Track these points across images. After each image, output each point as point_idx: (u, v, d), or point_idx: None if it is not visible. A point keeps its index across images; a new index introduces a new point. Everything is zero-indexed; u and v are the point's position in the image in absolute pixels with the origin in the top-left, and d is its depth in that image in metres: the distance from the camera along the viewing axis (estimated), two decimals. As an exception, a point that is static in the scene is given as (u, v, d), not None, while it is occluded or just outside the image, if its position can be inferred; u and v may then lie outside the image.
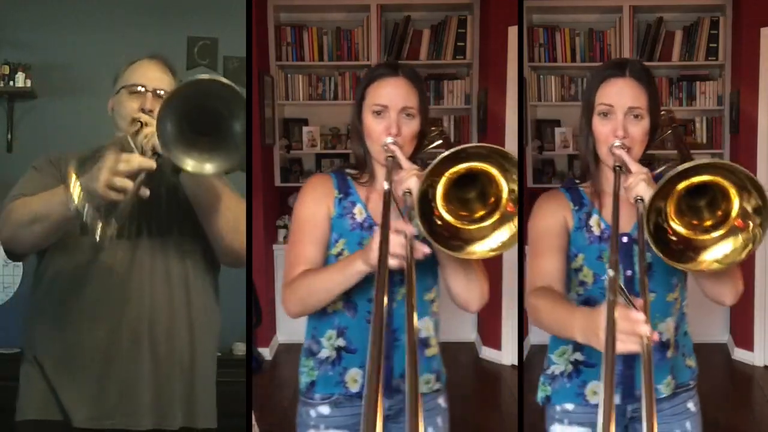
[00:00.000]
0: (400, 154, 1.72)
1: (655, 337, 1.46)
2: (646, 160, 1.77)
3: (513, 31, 4.61)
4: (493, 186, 1.62)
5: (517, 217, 1.63)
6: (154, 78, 2.09)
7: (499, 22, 4.75)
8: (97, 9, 4.19)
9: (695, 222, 1.60)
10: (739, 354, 4.85)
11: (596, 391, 1.81)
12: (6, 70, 4.06)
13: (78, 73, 4.13)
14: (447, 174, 1.59)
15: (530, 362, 4.73)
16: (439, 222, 1.62)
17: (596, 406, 1.78)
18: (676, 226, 1.59)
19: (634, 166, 1.68)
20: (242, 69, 4.24)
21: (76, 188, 1.74)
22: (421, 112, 1.81)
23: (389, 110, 1.78)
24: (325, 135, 5.35)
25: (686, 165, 1.51)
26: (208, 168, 1.81)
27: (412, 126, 1.79)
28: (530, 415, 3.78)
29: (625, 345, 1.39)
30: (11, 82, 4.06)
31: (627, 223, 1.77)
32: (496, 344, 4.84)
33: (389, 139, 1.76)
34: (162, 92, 2.06)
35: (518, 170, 1.63)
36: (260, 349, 4.80)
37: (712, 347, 4.92)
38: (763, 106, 4.62)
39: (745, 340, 4.81)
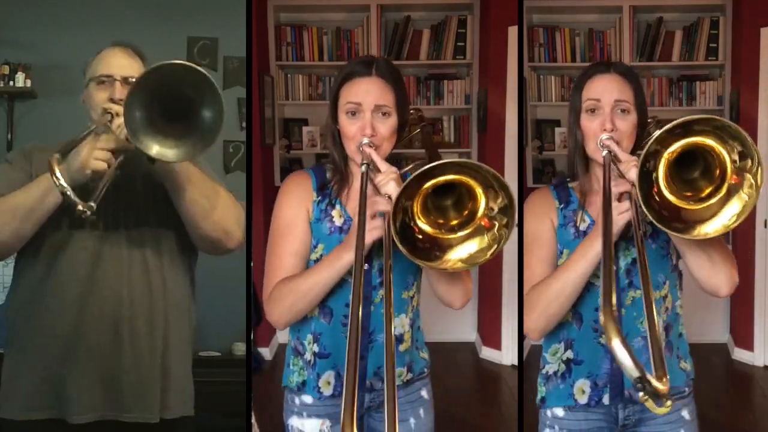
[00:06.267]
0: (376, 157, 1.68)
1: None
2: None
3: (513, 31, 4.61)
4: (471, 200, 1.61)
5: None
6: (121, 66, 2.06)
7: (499, 22, 4.75)
8: (98, 9, 4.19)
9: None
10: (739, 354, 4.85)
11: (584, 389, 1.80)
12: (6, 70, 4.06)
13: (78, 73, 4.10)
14: (423, 189, 1.57)
15: (530, 362, 4.73)
16: (420, 236, 1.61)
17: (584, 406, 1.79)
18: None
19: (624, 156, 1.67)
20: (242, 69, 4.24)
21: (58, 172, 1.75)
22: (397, 109, 1.75)
23: (363, 110, 1.72)
24: (325, 135, 5.33)
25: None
26: (176, 154, 1.81)
27: (388, 124, 1.74)
28: (530, 415, 3.79)
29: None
30: (11, 82, 4.06)
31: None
32: (496, 344, 4.83)
33: (365, 140, 1.71)
34: (131, 79, 2.01)
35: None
36: (260, 349, 4.79)
37: (711, 347, 4.91)
38: (763, 106, 4.62)
39: (745, 340, 4.81)
